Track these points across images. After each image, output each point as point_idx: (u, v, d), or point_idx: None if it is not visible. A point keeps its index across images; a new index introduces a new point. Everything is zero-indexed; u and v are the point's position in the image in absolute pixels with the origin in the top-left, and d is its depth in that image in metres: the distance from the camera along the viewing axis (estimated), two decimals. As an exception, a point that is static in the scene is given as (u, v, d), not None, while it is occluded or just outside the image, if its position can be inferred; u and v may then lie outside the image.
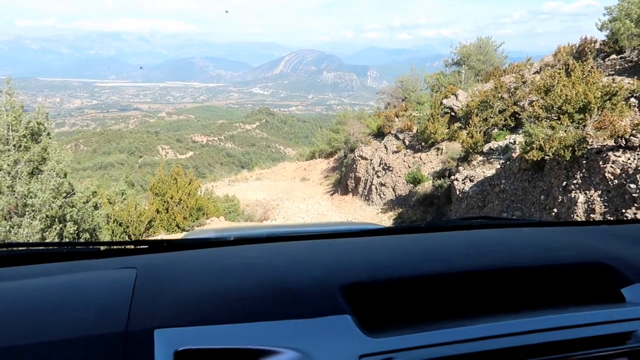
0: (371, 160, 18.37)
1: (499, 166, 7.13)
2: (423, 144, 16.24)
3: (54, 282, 1.00)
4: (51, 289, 0.96)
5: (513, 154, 6.35)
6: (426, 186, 13.66)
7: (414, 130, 17.38)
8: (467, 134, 8.33)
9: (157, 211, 11.09)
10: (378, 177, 17.13)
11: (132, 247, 1.31)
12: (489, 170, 7.12)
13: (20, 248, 1.33)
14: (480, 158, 7.87)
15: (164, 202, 11.14)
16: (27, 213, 6.18)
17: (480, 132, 8.25)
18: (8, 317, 0.83)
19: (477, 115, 9.83)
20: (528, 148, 5.83)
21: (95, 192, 8.96)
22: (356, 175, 18.84)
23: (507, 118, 9.48)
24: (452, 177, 7.95)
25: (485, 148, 8.08)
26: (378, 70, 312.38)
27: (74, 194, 7.14)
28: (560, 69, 6.59)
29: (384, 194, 16.43)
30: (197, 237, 2.26)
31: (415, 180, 14.09)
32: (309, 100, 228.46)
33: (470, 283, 1.03)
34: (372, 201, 16.79)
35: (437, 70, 25.47)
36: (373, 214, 15.08)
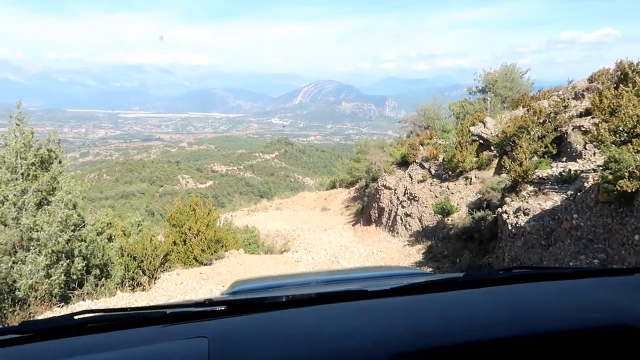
0: (395, 189, 17.72)
1: (556, 197, 6.39)
2: (450, 172, 15.55)
3: (132, 356, 1.03)
4: None
5: (585, 184, 5.58)
6: (457, 217, 12.91)
7: (440, 159, 16.73)
8: (515, 161, 7.63)
9: (174, 243, 10.58)
10: (403, 207, 16.43)
11: (194, 309, 1.37)
12: (546, 202, 6.33)
13: (87, 315, 1.35)
14: (530, 188, 7.08)
15: (182, 233, 10.63)
16: (32, 247, 5.71)
17: (528, 158, 7.55)
18: None
19: (515, 142, 9.15)
20: (611, 177, 5.04)
21: (110, 223, 8.50)
22: (379, 205, 18.17)
23: (548, 145, 8.81)
24: (500, 210, 7.13)
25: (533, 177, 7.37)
26: (396, 100, 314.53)
27: (84, 226, 6.65)
28: (627, 89, 5.91)
29: (409, 225, 15.69)
30: (248, 288, 2.43)
31: (444, 211, 13.37)
32: (328, 130, 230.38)
33: (507, 350, 1.07)
34: (397, 232, 16.05)
35: (459, 99, 25.01)
36: (399, 247, 14.33)
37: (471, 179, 14.69)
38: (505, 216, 6.67)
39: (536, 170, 7.49)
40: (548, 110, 9.58)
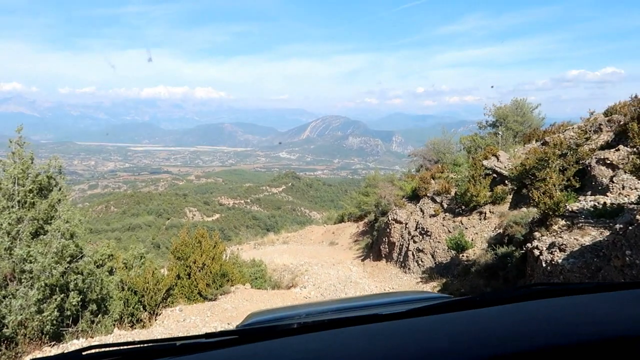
0: (406, 224, 17.24)
1: (594, 232, 5.88)
2: (463, 207, 15.12)
3: None
4: None
5: (638, 217, 5.09)
6: (472, 253, 12.40)
7: (453, 193, 16.34)
8: (544, 193, 7.17)
9: (178, 276, 10.13)
10: (415, 242, 15.92)
11: (205, 340, 1.32)
12: (583, 238, 5.81)
13: (95, 351, 1.32)
14: (562, 222, 6.58)
15: (186, 266, 10.19)
16: (24, 280, 5.30)
17: (558, 189, 7.09)
18: None
19: (535, 174, 8.74)
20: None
21: (112, 255, 8.09)
22: (390, 240, 17.66)
23: (571, 178, 8.40)
24: (529, 245, 6.59)
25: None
26: (403, 135, 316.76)
27: (82, 257, 6.23)
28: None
29: (422, 261, 15.14)
30: (264, 319, 2.39)
31: (459, 247, 12.86)
32: (335, 164, 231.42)
33: None
34: (409, 268, 15.48)
35: (467, 134, 24.82)
36: (412, 283, 13.75)
37: (485, 213, 14.23)
38: (536, 252, 6.14)
39: (567, 204, 7.02)
40: (568, 142, 9.22)
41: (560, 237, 5.92)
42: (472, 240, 13.20)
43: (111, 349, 1.34)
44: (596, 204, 6.73)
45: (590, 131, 9.41)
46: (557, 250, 5.64)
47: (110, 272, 8.12)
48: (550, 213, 6.64)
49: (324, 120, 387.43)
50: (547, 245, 6.02)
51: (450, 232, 14.71)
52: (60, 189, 6.36)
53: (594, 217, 6.32)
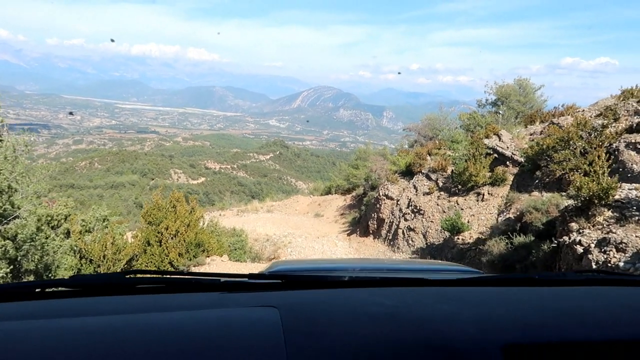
0: (398, 200, 16.40)
1: None
2: (460, 187, 14.27)
3: (202, 318, 0.96)
4: (202, 325, 0.91)
5: None
6: (468, 236, 11.61)
7: (449, 171, 15.48)
8: (588, 176, 6.15)
9: (149, 243, 9.16)
10: (406, 220, 15.12)
11: (248, 280, 1.27)
12: None
13: (139, 276, 1.30)
14: (609, 213, 5.62)
15: (158, 232, 9.21)
16: None
17: (605, 173, 6.11)
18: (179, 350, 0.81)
19: (549, 156, 7.85)
20: None
21: (69, 215, 7.03)
22: (379, 216, 16.84)
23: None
24: (566, 239, 5.56)
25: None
26: (394, 111, 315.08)
27: (15, 218, 5.15)
28: None
29: (412, 240, 14.37)
30: (289, 269, 2.24)
31: (454, 228, 12.06)
32: (324, 136, 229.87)
33: (614, 352, 0.94)
34: (398, 247, 14.72)
35: (456, 115, 24.01)
36: (401, 264, 12.99)
37: (484, 194, 13.42)
38: (579, 248, 5.14)
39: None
40: (593, 123, 8.30)
41: (614, 233, 4.91)
42: (468, 222, 12.41)
43: (155, 276, 1.35)
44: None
45: (620, 112, 8.47)
46: (614, 250, 4.64)
47: (68, 235, 7.10)
48: (596, 201, 5.65)
49: (316, 91, 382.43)
50: (595, 242, 5.02)
51: (444, 212, 13.91)
52: (-4, 133, 5.25)
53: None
